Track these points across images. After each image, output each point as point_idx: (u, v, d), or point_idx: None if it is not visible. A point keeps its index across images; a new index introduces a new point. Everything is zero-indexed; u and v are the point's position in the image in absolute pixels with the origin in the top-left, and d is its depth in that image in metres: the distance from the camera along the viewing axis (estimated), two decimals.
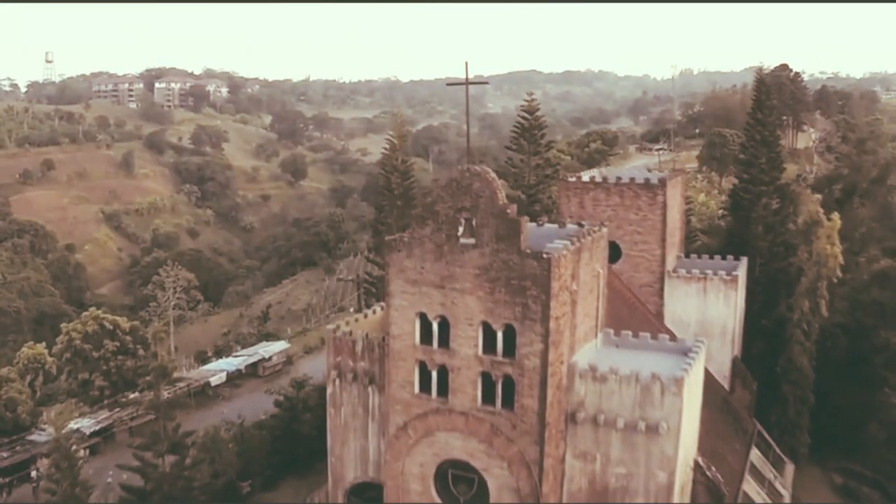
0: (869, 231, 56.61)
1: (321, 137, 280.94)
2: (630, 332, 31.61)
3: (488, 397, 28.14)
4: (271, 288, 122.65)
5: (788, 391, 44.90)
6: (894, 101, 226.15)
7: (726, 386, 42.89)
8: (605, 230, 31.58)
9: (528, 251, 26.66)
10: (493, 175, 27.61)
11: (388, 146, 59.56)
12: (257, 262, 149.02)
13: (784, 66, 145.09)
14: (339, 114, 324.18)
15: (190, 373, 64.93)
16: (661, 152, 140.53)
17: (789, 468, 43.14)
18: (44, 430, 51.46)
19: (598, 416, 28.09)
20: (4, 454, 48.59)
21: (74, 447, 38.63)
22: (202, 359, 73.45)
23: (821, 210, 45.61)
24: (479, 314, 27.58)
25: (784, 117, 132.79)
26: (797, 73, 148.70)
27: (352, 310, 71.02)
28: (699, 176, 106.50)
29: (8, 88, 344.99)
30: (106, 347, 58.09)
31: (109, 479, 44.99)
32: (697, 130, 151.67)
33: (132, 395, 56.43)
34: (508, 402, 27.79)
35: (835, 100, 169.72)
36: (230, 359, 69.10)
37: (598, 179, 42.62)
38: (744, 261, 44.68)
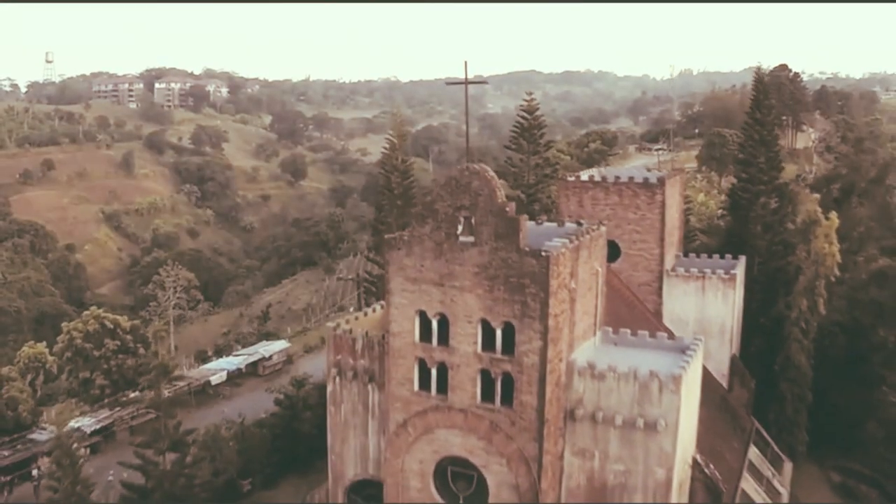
0: (867, 230, 56.74)
1: (321, 137, 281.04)
2: (628, 331, 31.82)
3: (487, 394, 28.34)
4: (271, 288, 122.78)
5: (787, 389, 45.03)
6: (894, 102, 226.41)
7: (725, 384, 43.07)
8: (603, 229, 31.75)
9: (527, 249, 26.86)
10: (492, 174, 27.80)
11: (387, 146, 59.77)
12: (257, 262, 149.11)
13: (783, 67, 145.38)
14: (338, 114, 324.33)
15: (190, 372, 65.12)
16: (660, 152, 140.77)
17: (787, 466, 43.28)
18: (45, 428, 51.68)
19: (596, 413, 28.26)
20: (5, 453, 48.80)
21: (75, 445, 38.79)
22: (202, 358, 73.62)
23: (819, 209, 45.78)
24: (478, 312, 27.77)
25: (783, 117, 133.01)
26: (796, 74, 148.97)
27: (352, 309, 71.16)
28: (698, 176, 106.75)
29: (8, 88, 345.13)
30: (107, 346, 58.33)
31: (110, 478, 45.14)
32: (697, 130, 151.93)
33: (133, 394, 56.64)
34: (507, 399, 27.99)
35: (834, 100, 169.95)
36: (230, 358, 69.38)
37: (597, 179, 42.81)
38: (742, 260, 44.89)
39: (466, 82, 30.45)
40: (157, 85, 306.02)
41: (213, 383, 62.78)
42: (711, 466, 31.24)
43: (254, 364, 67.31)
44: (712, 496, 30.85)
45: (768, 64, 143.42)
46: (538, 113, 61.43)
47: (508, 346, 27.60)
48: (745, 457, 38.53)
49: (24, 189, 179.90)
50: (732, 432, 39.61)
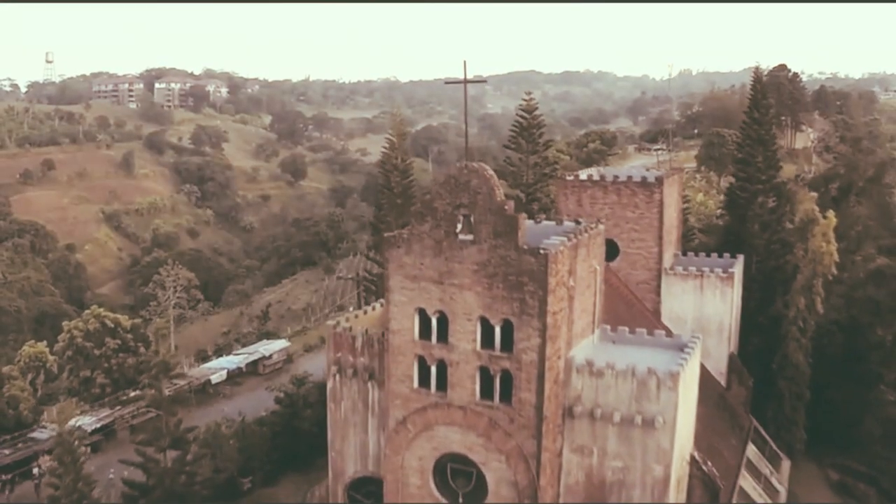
0: (865, 229, 56.94)
1: (321, 137, 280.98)
2: (627, 329, 32.01)
3: (486, 392, 28.52)
4: (271, 287, 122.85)
5: (784, 387, 45.27)
6: (893, 102, 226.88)
7: (723, 382, 43.30)
8: (601, 227, 31.93)
9: (526, 247, 27.05)
10: (491, 172, 27.99)
11: (387, 145, 60.01)
12: (257, 261, 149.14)
13: (782, 67, 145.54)
14: (338, 114, 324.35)
15: (190, 371, 65.28)
16: (659, 152, 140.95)
17: (785, 464, 43.49)
18: (45, 427, 51.86)
19: (594, 410, 28.46)
20: (6, 451, 49.00)
21: (76, 443, 38.95)
22: (202, 357, 73.73)
23: (816, 208, 46.02)
24: (477, 309, 27.96)
25: (783, 117, 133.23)
26: (795, 74, 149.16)
27: (351, 308, 71.35)
28: (697, 176, 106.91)
29: (8, 88, 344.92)
30: (107, 345, 58.60)
31: (111, 476, 45.32)
32: (696, 131, 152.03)
33: (133, 393, 56.80)
34: (506, 396, 28.18)
35: (833, 100, 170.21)
36: (231, 357, 69.57)
37: (596, 178, 43.03)
38: (740, 258, 45.12)
39: (465, 81, 30.57)
40: (157, 85, 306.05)
41: (214, 382, 62.97)
42: (709, 464, 31.44)
43: (254, 363, 67.50)
44: (710, 493, 31.04)
45: (768, 64, 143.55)
46: (537, 112, 61.59)
47: (507, 343, 27.79)
48: (744, 454, 38.75)
49: (25, 189, 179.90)
50: (731, 430, 39.81)
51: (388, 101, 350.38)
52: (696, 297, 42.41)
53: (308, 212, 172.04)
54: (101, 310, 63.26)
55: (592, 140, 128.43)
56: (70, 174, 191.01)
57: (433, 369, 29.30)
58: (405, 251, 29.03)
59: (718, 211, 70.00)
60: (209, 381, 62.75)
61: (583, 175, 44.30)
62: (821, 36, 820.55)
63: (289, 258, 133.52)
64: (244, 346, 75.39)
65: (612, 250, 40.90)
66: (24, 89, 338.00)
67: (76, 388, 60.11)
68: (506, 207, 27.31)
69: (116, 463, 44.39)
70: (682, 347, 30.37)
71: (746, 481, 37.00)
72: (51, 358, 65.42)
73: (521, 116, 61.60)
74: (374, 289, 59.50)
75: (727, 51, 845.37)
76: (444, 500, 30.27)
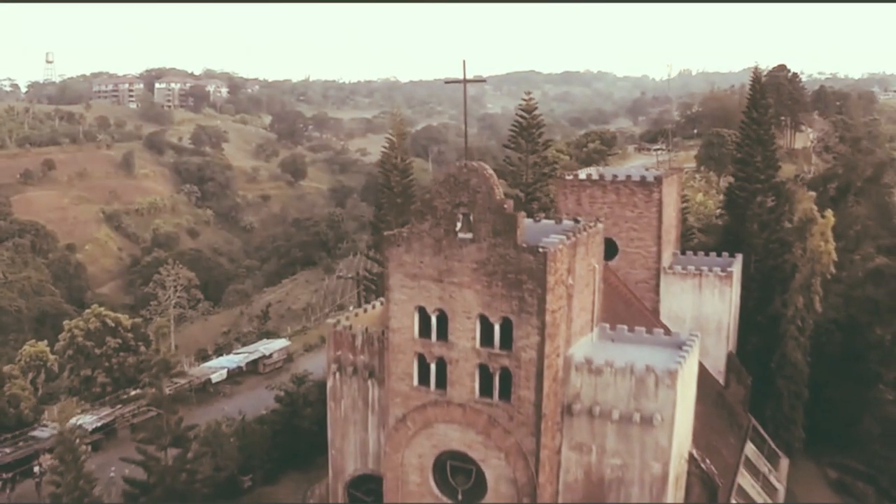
0: (864, 229, 57.14)
1: (321, 137, 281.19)
2: (625, 327, 32.13)
3: (486, 389, 28.64)
4: (271, 287, 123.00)
5: (783, 386, 45.44)
6: (892, 102, 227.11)
7: (721, 381, 43.45)
8: (600, 226, 32.04)
9: (525, 245, 27.17)
10: (490, 171, 28.12)
11: (387, 145, 60.15)
12: (257, 261, 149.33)
13: (782, 67, 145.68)
14: (338, 114, 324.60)
15: (191, 370, 65.38)
16: (659, 152, 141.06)
17: (784, 462, 43.62)
18: (46, 426, 51.99)
19: (593, 407, 28.58)
20: (7, 450, 49.07)
21: (77, 441, 39.09)
22: (202, 357, 73.87)
23: (815, 208, 46.18)
24: (476, 307, 28.09)
25: (782, 118, 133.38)
26: (795, 74, 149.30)
27: (351, 307, 71.51)
28: (697, 176, 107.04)
29: (8, 89, 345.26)
30: (108, 344, 58.67)
31: (112, 474, 45.45)
32: (696, 131, 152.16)
33: (134, 392, 56.91)
34: (506, 393, 28.29)
35: (833, 100, 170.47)
36: (231, 356, 69.68)
37: (595, 177, 43.17)
38: (739, 258, 45.26)
39: (465, 81, 30.69)
40: (157, 85, 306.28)
41: (214, 381, 63.07)
42: (708, 461, 31.56)
43: (254, 362, 67.62)
44: (708, 491, 31.15)
45: (767, 64, 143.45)
46: (536, 112, 61.73)
47: (506, 341, 27.90)
48: (742, 453, 38.89)
49: (25, 189, 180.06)
50: (729, 429, 39.95)
51: (388, 101, 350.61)
52: (695, 296, 42.57)
53: (308, 212, 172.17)
54: (102, 309, 63.35)
55: (592, 140, 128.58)
56: (70, 174, 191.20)
57: (433, 367, 29.42)
58: (405, 249, 29.15)
59: (718, 211, 70.15)
60: (209, 380, 62.86)
61: (582, 174, 44.47)
62: (820, 36, 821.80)
63: (289, 258, 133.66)
64: (244, 345, 75.49)
65: (611, 249, 41.05)
66: (24, 89, 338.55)
67: (77, 388, 60.21)
68: (505, 206, 27.44)
69: (117, 461, 44.52)
70: (680, 345, 30.49)
71: (745, 479, 37.15)
72: (51, 357, 65.57)
73: (521, 116, 61.74)
74: (374, 288, 59.67)
75: (727, 51, 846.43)
76: (443, 498, 30.40)
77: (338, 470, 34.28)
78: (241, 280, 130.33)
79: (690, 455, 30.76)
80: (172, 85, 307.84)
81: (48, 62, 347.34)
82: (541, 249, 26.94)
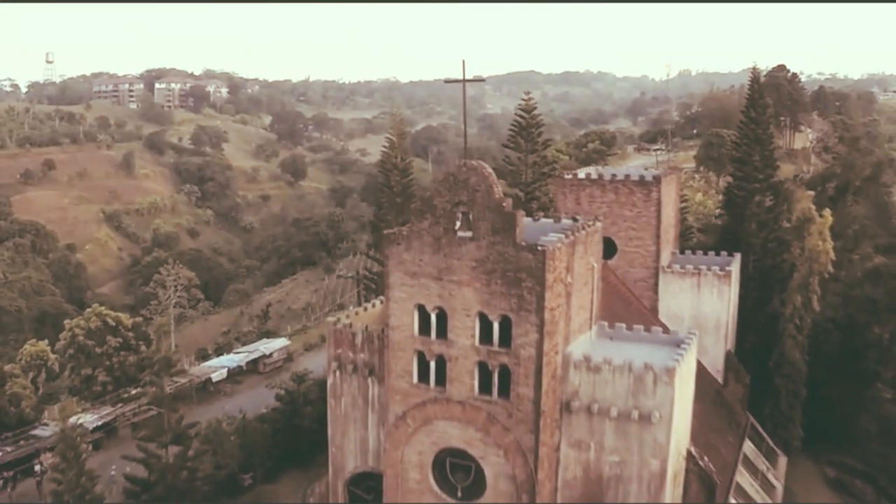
0: (862, 228, 57.37)
1: (321, 138, 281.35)
2: (624, 325, 32.29)
3: (485, 387, 28.80)
4: (271, 287, 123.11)
5: (781, 385, 45.59)
6: (891, 102, 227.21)
7: (720, 379, 43.62)
8: (599, 224, 32.20)
9: (524, 244, 27.34)
10: (490, 170, 28.30)
11: (387, 144, 60.33)
12: (257, 261, 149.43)
13: (781, 67, 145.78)
14: (338, 114, 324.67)
15: (191, 369, 65.56)
16: (658, 152, 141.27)
17: (782, 460, 43.77)
18: (47, 425, 52.13)
19: (592, 405, 28.75)
20: (8, 448, 49.19)
21: (78, 439, 39.23)
22: (203, 356, 74.04)
23: (813, 207, 46.37)
24: (475, 305, 28.25)
25: (781, 118, 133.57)
26: (794, 74, 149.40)
27: (351, 307, 71.70)
28: (696, 176, 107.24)
29: (9, 89, 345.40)
30: (109, 343, 58.85)
31: (113, 472, 45.56)
32: (695, 131, 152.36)
33: (134, 391, 57.08)
34: (505, 391, 28.45)
35: (832, 100, 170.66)
36: (231, 355, 69.84)
37: (594, 177, 43.32)
38: (737, 257, 45.42)
39: (464, 81, 30.87)
40: (157, 85, 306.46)
41: (214, 380, 63.24)
42: (706, 459, 31.69)
43: (254, 361, 67.79)
44: (707, 488, 31.28)
45: (767, 64, 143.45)
46: (536, 112, 61.87)
47: (505, 338, 28.07)
48: (740, 451, 39.04)
49: (25, 189, 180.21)
50: (727, 427, 40.11)
51: (388, 101, 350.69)
52: (694, 294, 42.73)
53: (308, 212, 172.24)
54: (103, 308, 63.53)
55: (592, 140, 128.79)
56: (70, 174, 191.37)
57: (432, 365, 29.58)
58: (405, 248, 29.33)
59: (717, 211, 70.33)
60: (210, 379, 63.03)
61: (581, 174, 44.61)
62: (820, 36, 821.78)
63: (289, 258, 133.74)
64: (244, 345, 75.65)
65: (610, 249, 41.22)
66: (24, 89, 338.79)
67: (77, 387, 60.38)
68: (504, 205, 27.62)
69: (118, 460, 44.71)
70: (678, 343, 30.64)
71: (743, 477, 37.29)
72: (52, 356, 65.79)
73: (520, 116, 61.90)
74: (374, 287, 59.81)
75: (726, 51, 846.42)
76: (443, 495, 30.56)
77: (338, 467, 34.45)
78: (241, 280, 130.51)
79: (689, 452, 30.89)
80: (172, 85, 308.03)
81: (48, 62, 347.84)
82: (540, 248, 27.11)
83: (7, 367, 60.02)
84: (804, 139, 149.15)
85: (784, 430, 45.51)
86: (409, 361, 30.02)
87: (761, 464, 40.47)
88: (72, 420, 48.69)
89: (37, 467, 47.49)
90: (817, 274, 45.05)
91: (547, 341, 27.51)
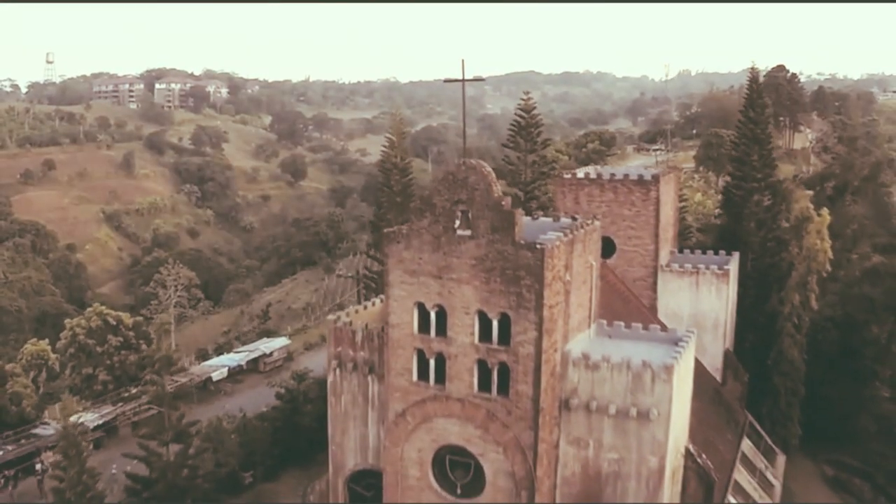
0: (861, 228, 57.53)
1: (321, 138, 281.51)
2: (622, 323, 32.46)
3: (484, 384, 28.96)
4: (271, 287, 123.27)
5: (780, 383, 45.73)
6: (891, 103, 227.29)
7: (718, 378, 43.73)
8: (597, 223, 32.38)
9: (523, 242, 27.51)
10: (489, 169, 28.47)
11: (387, 144, 60.48)
12: (257, 261, 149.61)
13: (781, 67, 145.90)
14: (338, 114, 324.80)
15: (192, 369, 65.71)
16: (658, 153, 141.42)
17: (780, 459, 43.92)
18: (48, 423, 52.25)
19: (590, 402, 28.90)
20: (10, 447, 49.30)
21: (80, 437, 39.36)
22: (203, 356, 74.18)
23: (811, 206, 46.51)
24: (475, 303, 28.40)
25: (781, 118, 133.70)
26: (794, 74, 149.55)
27: (351, 306, 71.84)
28: (696, 176, 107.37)
29: (9, 89, 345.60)
30: (109, 342, 58.99)
31: (114, 471, 45.72)
32: (694, 131, 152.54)
33: (135, 390, 57.21)
34: (504, 388, 28.61)
35: (832, 101, 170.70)
36: (231, 355, 70.01)
37: (593, 176, 43.45)
38: (735, 256, 45.54)
39: (463, 80, 31.01)
40: (157, 85, 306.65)
41: (215, 379, 63.40)
42: (704, 456, 31.80)
43: (255, 361, 67.95)
44: (705, 486, 31.41)
45: (766, 65, 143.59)
46: (535, 112, 61.99)
47: (505, 336, 28.22)
48: (739, 449, 39.17)
49: (25, 189, 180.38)
50: (726, 425, 40.25)
51: (388, 101, 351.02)
52: (692, 293, 42.83)
53: (308, 212, 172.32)
54: (104, 307, 63.66)
55: (591, 140, 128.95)
56: (71, 174, 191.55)
57: (432, 362, 29.73)
58: (404, 246, 29.48)
59: (717, 210, 70.43)
60: (210, 378, 63.18)
61: (580, 173, 44.73)
62: (820, 36, 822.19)
63: (289, 258, 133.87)
64: (244, 344, 75.80)
65: (609, 248, 41.34)
66: (24, 90, 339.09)
67: (78, 386, 60.51)
68: (503, 203, 27.79)
69: (119, 459, 44.89)
70: (676, 341, 30.81)
71: (741, 475, 37.44)
72: (52, 356, 65.91)
73: (520, 115, 62.03)
74: (374, 286, 59.94)
75: (726, 51, 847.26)
76: (442, 491, 30.71)
77: (338, 465, 34.60)
78: (241, 280, 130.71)
79: (687, 450, 31.02)
80: (172, 85, 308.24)
81: (48, 62, 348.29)
82: (538, 246, 27.27)
83: (8, 367, 60.14)
84: (804, 139, 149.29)
85: (782, 429, 45.65)
86: (408, 359, 30.18)
87: (760, 462, 40.62)
88: (72, 419, 48.86)
89: (38, 466, 47.61)
90: (815, 273, 45.19)
91: (546, 339, 27.67)
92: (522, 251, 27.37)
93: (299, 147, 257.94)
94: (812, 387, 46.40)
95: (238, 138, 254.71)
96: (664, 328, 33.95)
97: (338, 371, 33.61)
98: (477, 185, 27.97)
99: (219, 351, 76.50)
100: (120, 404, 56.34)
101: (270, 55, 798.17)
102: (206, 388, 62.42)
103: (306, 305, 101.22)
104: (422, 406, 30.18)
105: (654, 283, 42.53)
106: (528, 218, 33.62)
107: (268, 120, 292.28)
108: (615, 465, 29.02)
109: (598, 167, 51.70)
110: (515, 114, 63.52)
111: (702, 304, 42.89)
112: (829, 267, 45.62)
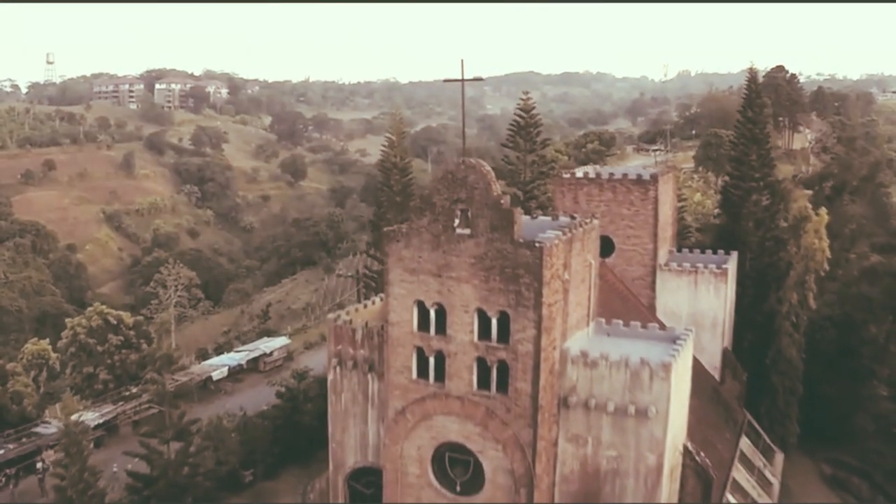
0: (859, 227, 57.68)
1: (320, 138, 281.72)
2: (621, 322, 32.62)
3: (483, 382, 29.13)
4: (271, 287, 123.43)
5: (778, 382, 45.90)
6: (890, 103, 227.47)
7: (717, 377, 43.90)
8: (596, 222, 32.54)
9: (522, 241, 27.68)
10: (488, 168, 28.63)
11: (386, 144, 60.65)
12: (257, 261, 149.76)
13: (780, 68, 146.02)
14: (338, 115, 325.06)
15: (192, 368, 65.84)
16: (657, 153, 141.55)
17: (779, 457, 44.10)
18: (49, 422, 52.39)
19: (589, 400, 29.07)
20: (11, 446, 49.42)
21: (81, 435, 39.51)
22: (203, 356, 74.30)
23: (809, 205, 46.70)
24: (474, 301, 28.57)
25: (780, 118, 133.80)
26: (793, 75, 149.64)
27: (351, 305, 71.96)
28: (695, 176, 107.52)
29: (9, 89, 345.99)
30: (110, 342, 59.05)
31: (115, 470, 45.85)
32: (694, 131, 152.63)
33: (136, 388, 57.35)
34: (503, 386, 28.77)
35: (831, 101, 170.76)
36: (232, 354, 70.09)
37: (592, 175, 43.61)
38: (734, 255, 45.68)
39: (463, 80, 31.17)
40: (157, 86, 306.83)
41: (215, 379, 63.50)
42: (702, 454, 31.96)
43: (255, 360, 68.04)
44: (703, 484, 31.56)
45: (766, 65, 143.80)
46: (535, 112, 62.17)
47: (504, 334, 28.38)
48: (737, 447, 39.34)
49: (26, 189, 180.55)
50: (724, 424, 40.42)
51: (388, 101, 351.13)
52: (691, 292, 42.96)
53: (308, 212, 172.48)
54: (104, 307, 63.76)
55: (591, 140, 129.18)
56: (71, 174, 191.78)
57: (431, 360, 29.89)
58: (404, 245, 29.65)
59: (715, 210, 70.57)
60: (210, 377, 63.30)
61: (579, 173, 44.88)
62: (819, 37, 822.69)
63: (289, 258, 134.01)
64: (244, 344, 75.93)
65: (607, 247, 41.51)
66: (24, 90, 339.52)
67: (79, 385, 60.55)
68: (502, 202, 27.96)
69: (119, 457, 44.98)
70: (674, 340, 30.97)
71: (740, 473, 37.61)
72: (53, 355, 66.04)
73: (519, 115, 62.19)
74: (373, 285, 60.08)
75: (726, 52, 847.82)
76: (442, 489, 30.87)
77: (338, 463, 34.78)
78: (241, 280, 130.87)
79: (685, 448, 31.16)
80: (173, 86, 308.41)
81: (48, 63, 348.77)
82: (537, 244, 27.43)
83: (9, 366, 60.29)
84: (803, 140, 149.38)
85: (781, 427, 45.82)
86: (408, 357, 30.34)
87: (758, 460, 40.80)
88: (73, 417, 49.01)
89: (39, 465, 47.71)
90: (814, 272, 45.36)
91: (545, 337, 27.84)
92: (521, 250, 27.54)
93: (299, 147, 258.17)
94: (810, 386, 46.55)
95: (238, 139, 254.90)
96: (662, 327, 34.11)
97: (338, 369, 33.79)
98: (476, 184, 28.15)
99: (219, 350, 76.60)
100: (121, 403, 56.44)
101: (270, 55, 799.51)
102: (207, 388, 62.51)
103: (306, 305, 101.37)
104: (421, 404, 30.36)
105: (653, 282, 42.68)
106: (528, 217, 33.76)
107: (268, 120, 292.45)
108: (614, 463, 29.18)
109: (598, 167, 51.85)
110: (515, 114, 63.68)
111: (700, 303, 43.04)
112: (827, 266, 45.80)
